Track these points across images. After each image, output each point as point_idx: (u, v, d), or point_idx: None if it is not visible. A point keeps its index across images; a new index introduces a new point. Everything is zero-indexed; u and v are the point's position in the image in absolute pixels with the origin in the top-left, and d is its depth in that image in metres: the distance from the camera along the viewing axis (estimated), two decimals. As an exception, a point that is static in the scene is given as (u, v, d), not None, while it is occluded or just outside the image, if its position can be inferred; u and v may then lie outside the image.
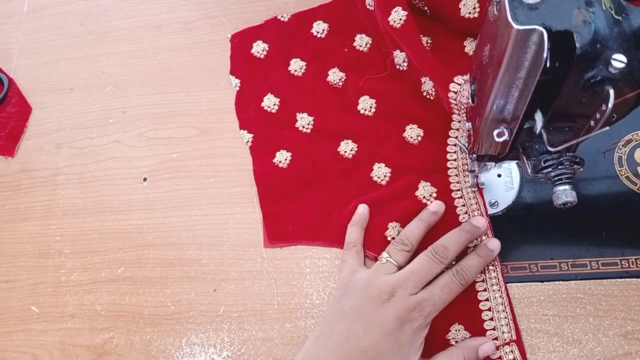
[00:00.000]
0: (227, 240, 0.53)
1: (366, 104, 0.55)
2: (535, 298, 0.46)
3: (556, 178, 0.38)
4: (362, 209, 0.50)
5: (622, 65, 0.29)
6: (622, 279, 0.45)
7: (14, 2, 0.71)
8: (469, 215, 0.48)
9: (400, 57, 0.55)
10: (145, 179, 0.57)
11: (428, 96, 0.53)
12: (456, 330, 0.45)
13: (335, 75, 0.57)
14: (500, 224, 0.48)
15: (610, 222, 0.47)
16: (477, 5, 0.51)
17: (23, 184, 0.60)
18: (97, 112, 0.62)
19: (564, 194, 0.37)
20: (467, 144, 0.45)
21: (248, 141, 0.57)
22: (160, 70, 0.63)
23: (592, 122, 0.33)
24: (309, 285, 0.49)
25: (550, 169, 0.38)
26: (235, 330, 0.49)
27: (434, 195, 0.50)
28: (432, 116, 0.53)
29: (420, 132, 0.53)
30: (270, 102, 0.58)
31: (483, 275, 0.46)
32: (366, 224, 0.50)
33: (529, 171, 0.40)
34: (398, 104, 0.55)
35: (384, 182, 0.52)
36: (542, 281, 0.46)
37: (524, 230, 0.48)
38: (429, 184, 0.50)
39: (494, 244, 0.46)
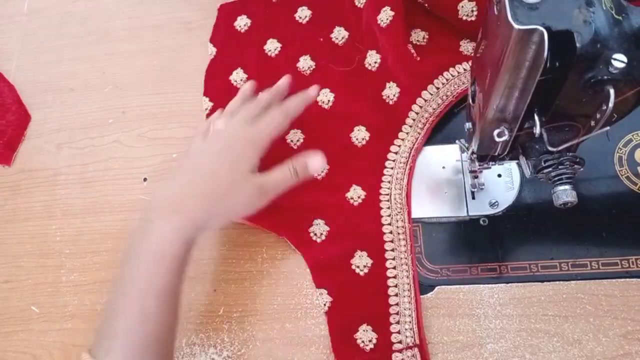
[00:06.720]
0: (228, 240, 0.53)
1: (325, 97, 0.56)
2: (535, 298, 0.46)
3: (556, 178, 0.38)
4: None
5: (622, 65, 0.30)
6: (622, 279, 0.45)
7: (14, 2, 0.71)
8: (392, 218, 0.49)
9: (372, 58, 0.55)
10: (145, 179, 0.57)
11: (388, 100, 0.54)
12: (364, 331, 0.45)
13: (305, 63, 0.58)
14: (500, 224, 0.48)
15: (610, 222, 0.47)
16: (475, 8, 0.51)
17: (23, 184, 0.60)
18: (97, 112, 0.62)
19: (564, 193, 0.37)
20: (467, 144, 0.45)
21: (206, 109, 0.58)
22: (160, 70, 0.63)
23: (592, 122, 0.33)
24: (309, 285, 0.49)
25: (550, 169, 0.38)
26: (236, 330, 0.49)
27: (362, 198, 0.51)
28: (383, 121, 0.53)
29: (367, 135, 0.53)
30: (238, 77, 0.59)
31: (396, 280, 0.47)
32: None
33: (529, 171, 0.40)
34: (354, 103, 0.55)
35: (319, 178, 0.52)
36: (543, 281, 0.46)
37: (524, 230, 0.48)
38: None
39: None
